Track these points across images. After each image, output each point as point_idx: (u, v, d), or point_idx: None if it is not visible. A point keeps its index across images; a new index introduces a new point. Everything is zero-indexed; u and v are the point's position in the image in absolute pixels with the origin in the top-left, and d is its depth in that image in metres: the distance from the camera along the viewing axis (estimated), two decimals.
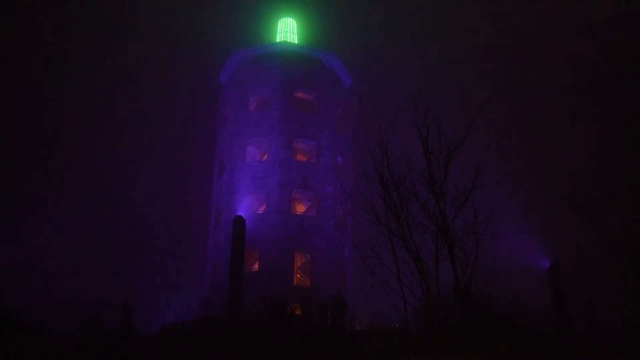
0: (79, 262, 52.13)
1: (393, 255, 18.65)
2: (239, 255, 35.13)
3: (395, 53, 60.82)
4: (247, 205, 40.48)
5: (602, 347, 18.87)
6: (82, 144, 64.48)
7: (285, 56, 44.42)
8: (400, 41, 61.11)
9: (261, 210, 40.61)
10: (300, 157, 42.82)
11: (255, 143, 42.72)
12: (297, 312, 32.07)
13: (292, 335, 23.21)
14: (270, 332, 23.71)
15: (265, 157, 42.10)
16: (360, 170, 19.88)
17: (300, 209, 42.34)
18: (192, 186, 55.84)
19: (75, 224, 55.56)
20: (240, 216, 36.86)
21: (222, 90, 47.32)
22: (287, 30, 47.96)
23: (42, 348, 22.83)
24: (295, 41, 47.47)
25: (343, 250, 40.83)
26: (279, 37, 47.54)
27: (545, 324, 22.13)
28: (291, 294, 35.04)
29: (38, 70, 63.19)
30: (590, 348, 19.07)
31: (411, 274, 18.35)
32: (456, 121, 19.49)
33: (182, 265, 53.42)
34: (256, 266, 39.10)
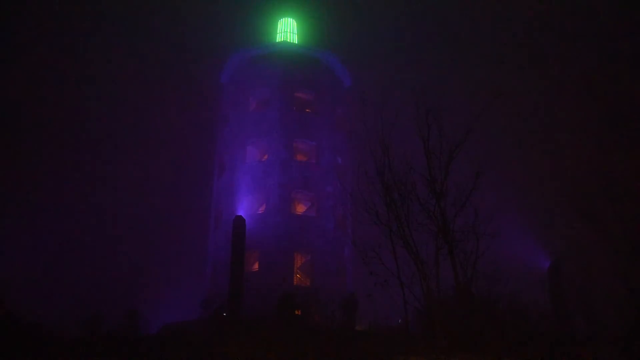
0: (79, 262, 52.14)
1: (393, 255, 18.69)
2: (239, 255, 35.12)
3: (395, 53, 60.87)
4: (247, 206, 40.45)
5: (602, 347, 18.88)
6: (82, 145, 64.46)
7: (285, 56, 44.42)
8: (401, 41, 61.17)
9: (261, 210, 40.59)
10: (300, 157, 42.81)
11: (255, 143, 42.71)
12: (297, 312, 32.08)
13: (298, 334, 23.21)
14: (277, 330, 23.69)
15: (265, 157, 42.09)
16: (360, 170, 19.92)
17: (300, 209, 42.33)
18: (192, 186, 55.83)
19: (75, 224, 55.57)
20: (240, 216, 36.85)
21: (222, 90, 47.32)
22: (287, 30, 47.95)
23: (42, 348, 22.81)
24: (295, 41, 47.48)
25: (343, 250, 40.80)
26: (279, 37, 47.53)
27: (545, 324, 22.12)
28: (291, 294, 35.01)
29: (36, 70, 63.19)
30: (591, 348, 19.08)
31: (411, 273, 18.40)
32: (457, 121, 19.54)
33: (182, 265, 53.46)
34: (256, 266, 39.08)
